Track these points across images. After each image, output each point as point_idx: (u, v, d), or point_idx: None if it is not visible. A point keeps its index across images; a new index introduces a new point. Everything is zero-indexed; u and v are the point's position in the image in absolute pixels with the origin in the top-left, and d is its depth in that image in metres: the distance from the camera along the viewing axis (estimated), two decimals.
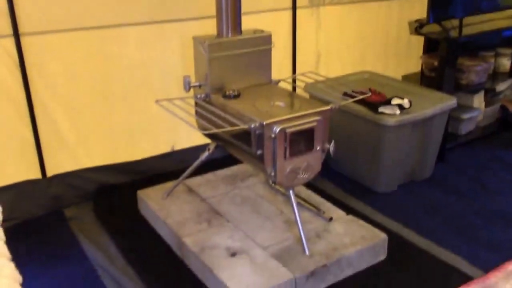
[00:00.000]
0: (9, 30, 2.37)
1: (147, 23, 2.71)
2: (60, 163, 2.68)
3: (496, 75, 3.65)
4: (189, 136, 2.93)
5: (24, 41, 2.43)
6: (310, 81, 2.63)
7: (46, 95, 2.56)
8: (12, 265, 1.28)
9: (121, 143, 2.83)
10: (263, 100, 2.23)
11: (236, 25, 2.36)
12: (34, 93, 2.52)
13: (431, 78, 3.37)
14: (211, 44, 2.27)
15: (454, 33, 3.13)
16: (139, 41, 2.73)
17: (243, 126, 1.98)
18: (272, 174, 2.07)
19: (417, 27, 3.30)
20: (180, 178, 2.57)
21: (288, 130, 1.99)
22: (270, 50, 2.44)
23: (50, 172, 2.67)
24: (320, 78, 2.58)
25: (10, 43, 2.40)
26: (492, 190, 2.89)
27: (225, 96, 2.26)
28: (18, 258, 1.39)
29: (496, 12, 3.45)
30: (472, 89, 3.47)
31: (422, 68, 3.58)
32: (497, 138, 3.60)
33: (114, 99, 2.74)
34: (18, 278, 1.25)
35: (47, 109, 2.58)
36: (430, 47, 3.52)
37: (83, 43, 2.58)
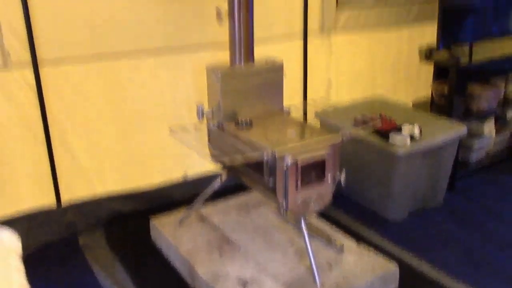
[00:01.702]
0: (28, 59, 2.43)
1: (162, 52, 2.76)
2: (74, 190, 2.71)
3: (507, 102, 3.66)
4: (202, 163, 2.96)
5: (42, 70, 2.48)
6: (321, 106, 2.65)
7: (63, 123, 2.61)
8: None
9: (134, 170, 2.87)
10: (275, 129, 2.25)
11: (249, 54, 2.40)
12: (51, 121, 2.56)
13: (441, 105, 3.39)
14: (224, 74, 2.31)
15: (463, 59, 3.15)
16: (154, 69, 2.77)
17: (255, 157, 2.00)
18: (284, 204, 2.09)
19: (427, 54, 3.32)
20: (193, 207, 2.59)
21: (300, 161, 2.01)
22: (282, 79, 2.47)
23: (64, 199, 2.70)
24: (331, 104, 2.60)
25: (29, 72, 2.45)
26: (504, 219, 2.88)
27: (238, 125, 2.29)
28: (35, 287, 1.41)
29: (507, 37, 3.47)
30: (483, 116, 3.48)
31: (432, 95, 3.59)
32: (508, 166, 3.59)
33: (128, 126, 2.79)
34: None
35: (64, 136, 2.62)
36: (440, 73, 3.54)
37: (100, 71, 2.63)
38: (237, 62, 2.39)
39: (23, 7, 2.35)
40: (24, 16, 2.37)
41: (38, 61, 2.45)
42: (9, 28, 2.36)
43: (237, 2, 2.27)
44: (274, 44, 3.06)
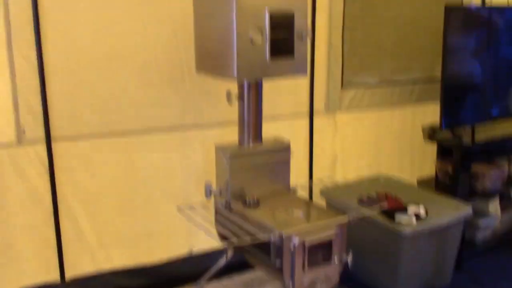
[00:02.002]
0: (42, 135, 2.50)
1: (172, 129, 2.84)
2: (79, 265, 2.70)
3: (511, 181, 3.68)
4: (207, 239, 2.96)
5: (55, 146, 2.55)
6: (327, 185, 2.69)
7: (71, 197, 2.64)
8: None
9: (140, 246, 2.86)
10: (282, 209, 2.28)
11: (257, 134, 2.47)
12: (59, 195, 2.60)
13: (446, 183, 3.42)
14: (233, 153, 2.37)
15: (467, 139, 3.21)
16: (163, 145, 2.84)
17: (263, 238, 2.02)
18: (290, 284, 2.08)
19: (430, 134, 3.39)
20: (198, 285, 2.57)
21: (307, 242, 2.03)
22: (289, 158, 2.53)
23: (68, 274, 2.69)
24: (336, 182, 2.64)
25: (42, 148, 2.52)
26: None
27: (245, 204, 2.32)
28: None
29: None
30: (488, 195, 3.50)
31: (436, 173, 3.63)
32: None
33: (135, 202, 2.82)
34: None
35: (71, 210, 2.65)
36: (444, 152, 3.59)
37: (109, 147, 2.69)
38: (246, 142, 2.45)
39: (40, 85, 2.45)
40: (41, 93, 2.46)
41: (51, 137, 2.53)
42: (26, 105, 2.45)
43: (246, 85, 2.36)
44: (280, 122, 3.14)
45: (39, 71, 2.43)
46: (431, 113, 3.72)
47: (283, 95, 3.13)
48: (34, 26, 2.39)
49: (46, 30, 2.43)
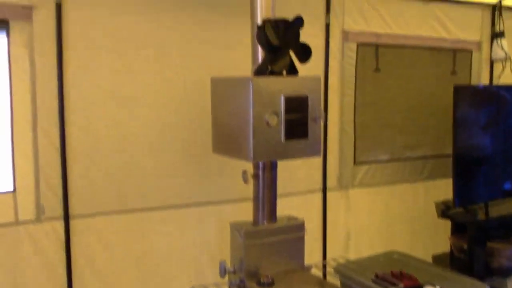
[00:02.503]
0: (60, 213, 2.55)
1: (186, 206, 2.88)
2: None
3: None
4: None
5: (72, 222, 2.59)
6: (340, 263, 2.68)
7: (86, 272, 2.66)
8: None
9: None
10: None
11: (272, 213, 2.49)
12: (74, 270, 2.62)
13: (461, 260, 3.38)
14: (247, 232, 2.38)
15: (481, 215, 3.21)
16: (177, 223, 2.87)
17: None
18: None
19: (444, 210, 3.39)
20: None
21: None
22: (303, 237, 2.53)
23: None
24: (350, 259, 2.63)
25: (59, 224, 2.56)
26: None
27: (260, 284, 2.31)
28: None
29: None
30: (505, 273, 3.44)
31: (451, 249, 3.60)
32: None
33: (149, 278, 2.81)
34: None
35: (86, 285, 2.65)
36: (458, 227, 3.58)
37: (125, 224, 2.74)
38: (260, 220, 2.47)
39: (61, 164, 2.54)
40: (62, 172, 2.54)
41: (69, 215, 2.58)
42: (47, 184, 2.53)
43: (262, 165, 2.42)
44: (294, 198, 3.18)
45: (61, 150, 2.53)
46: (444, 188, 3.75)
47: (296, 173, 3.18)
48: (59, 109, 2.51)
49: (69, 112, 2.55)
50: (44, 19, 2.44)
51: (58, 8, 2.46)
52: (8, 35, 2.41)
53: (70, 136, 2.55)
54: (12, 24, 2.40)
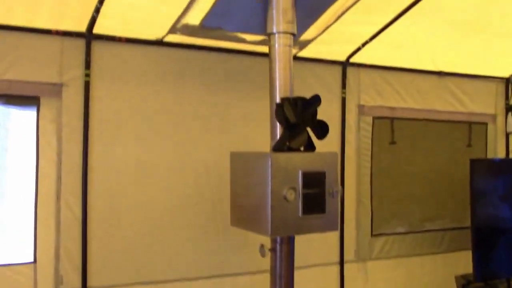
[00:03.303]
0: (79, 285, 2.57)
1: (203, 278, 2.87)
2: None
3: None
4: None
5: None
6: None
7: None
8: None
9: None
10: None
11: (289, 287, 2.47)
12: None
13: None
14: None
15: None
16: None
17: None
18: None
19: (464, 285, 3.32)
20: None
21: None
22: None
23: None
24: None
25: None
26: None
27: None
28: None
29: None
30: None
31: None
32: None
33: None
34: None
35: None
36: None
37: None
38: None
39: (82, 236, 2.57)
40: (82, 244, 2.58)
41: (87, 287, 2.59)
42: (67, 255, 2.56)
43: (279, 239, 2.42)
44: (311, 270, 3.15)
45: (82, 222, 2.57)
46: (463, 260, 3.68)
47: (313, 245, 3.16)
48: (82, 182, 2.58)
49: (92, 185, 2.62)
50: (73, 95, 2.56)
51: (87, 85, 2.58)
52: (38, 110, 2.53)
53: (92, 208, 2.61)
54: (42, 101, 2.52)
